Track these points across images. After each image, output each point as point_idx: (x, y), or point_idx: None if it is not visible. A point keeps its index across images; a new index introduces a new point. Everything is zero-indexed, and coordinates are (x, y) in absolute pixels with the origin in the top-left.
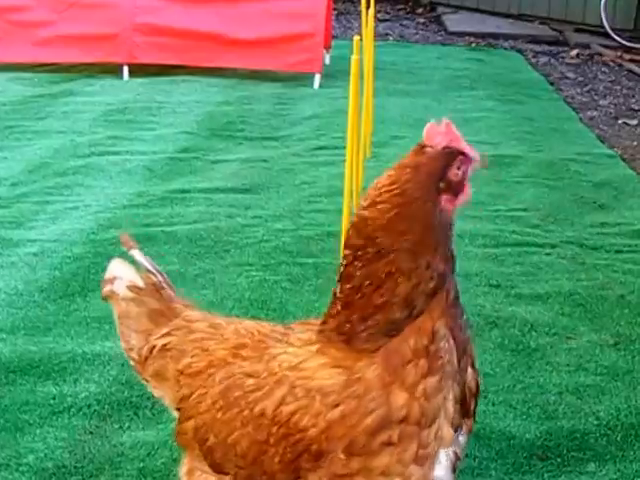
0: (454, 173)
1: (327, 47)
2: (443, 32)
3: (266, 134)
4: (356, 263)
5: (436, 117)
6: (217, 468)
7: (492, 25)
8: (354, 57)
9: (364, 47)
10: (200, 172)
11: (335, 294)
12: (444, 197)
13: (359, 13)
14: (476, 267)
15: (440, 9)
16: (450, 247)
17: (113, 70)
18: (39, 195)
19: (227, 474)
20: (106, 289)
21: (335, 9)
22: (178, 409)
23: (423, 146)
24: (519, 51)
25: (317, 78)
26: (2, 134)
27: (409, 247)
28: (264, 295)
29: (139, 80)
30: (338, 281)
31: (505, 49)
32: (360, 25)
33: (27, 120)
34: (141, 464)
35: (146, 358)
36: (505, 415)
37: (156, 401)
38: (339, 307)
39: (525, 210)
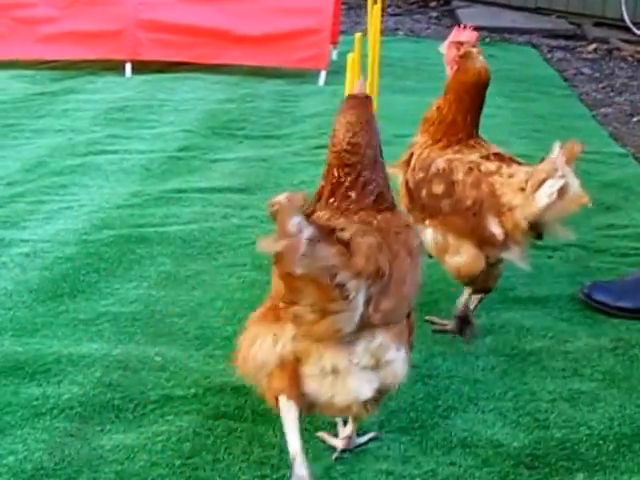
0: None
1: (334, 43)
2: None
3: (267, 132)
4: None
5: None
6: None
7: (507, 19)
8: (351, 55)
9: (369, 43)
10: (198, 171)
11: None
12: None
13: None
14: None
15: (454, 2)
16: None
17: (116, 67)
18: (34, 195)
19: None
20: None
21: (345, 3)
22: None
23: (353, 95)
24: (534, 46)
25: (322, 75)
26: (1, 132)
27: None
28: (254, 295)
29: (142, 77)
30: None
31: (520, 44)
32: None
33: (26, 118)
34: (119, 467)
35: None
36: (494, 423)
37: (138, 403)
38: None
39: None
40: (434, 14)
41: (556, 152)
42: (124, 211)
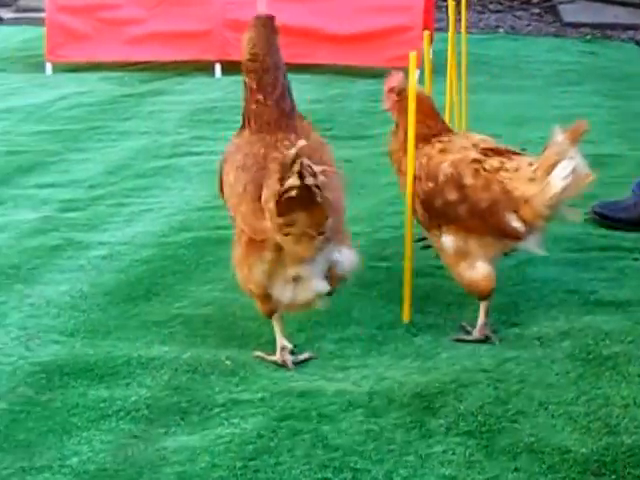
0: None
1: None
2: (558, 23)
3: (355, 133)
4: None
5: (536, 114)
6: None
7: (610, 15)
8: (412, 54)
9: (449, 40)
10: None
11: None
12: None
13: (473, 4)
14: (555, 273)
15: None
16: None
17: (206, 68)
18: (116, 197)
19: None
20: None
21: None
22: None
23: (256, 16)
24: (638, 43)
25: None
26: (86, 135)
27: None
28: (332, 299)
29: (231, 78)
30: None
31: (623, 40)
32: (471, 17)
33: (112, 120)
34: (181, 468)
35: None
36: (563, 428)
37: (205, 406)
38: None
39: None
40: (536, 10)
41: (560, 136)
42: (204, 213)
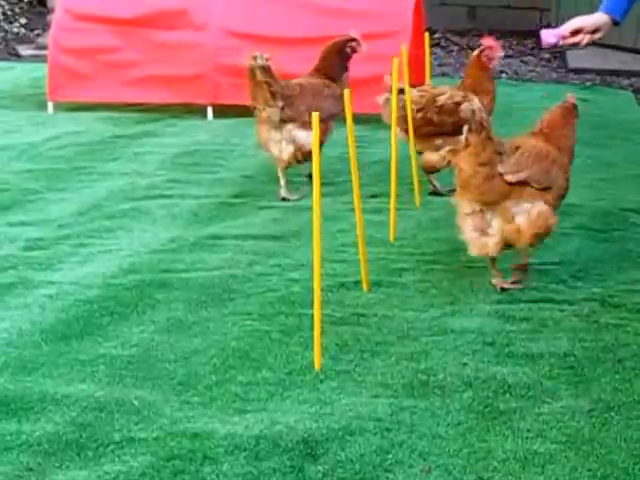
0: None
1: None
2: (563, 69)
3: (326, 179)
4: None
5: None
6: None
7: (616, 61)
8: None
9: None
10: (242, 217)
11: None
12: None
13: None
14: (477, 324)
15: None
16: None
17: (200, 111)
18: (79, 238)
19: None
20: None
21: (457, 44)
22: None
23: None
24: (635, 90)
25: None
26: (69, 175)
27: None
28: (248, 345)
29: (222, 121)
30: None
31: (622, 88)
32: (466, 62)
33: (98, 161)
34: None
35: None
36: None
37: (101, 443)
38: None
39: (558, 264)
40: (546, 55)
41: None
42: (156, 256)
